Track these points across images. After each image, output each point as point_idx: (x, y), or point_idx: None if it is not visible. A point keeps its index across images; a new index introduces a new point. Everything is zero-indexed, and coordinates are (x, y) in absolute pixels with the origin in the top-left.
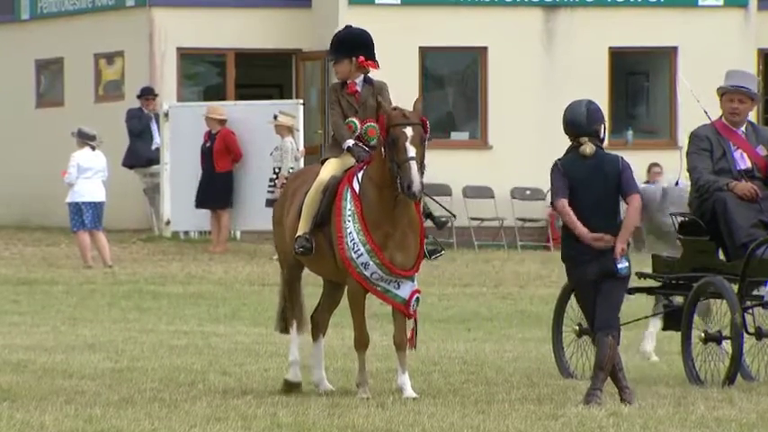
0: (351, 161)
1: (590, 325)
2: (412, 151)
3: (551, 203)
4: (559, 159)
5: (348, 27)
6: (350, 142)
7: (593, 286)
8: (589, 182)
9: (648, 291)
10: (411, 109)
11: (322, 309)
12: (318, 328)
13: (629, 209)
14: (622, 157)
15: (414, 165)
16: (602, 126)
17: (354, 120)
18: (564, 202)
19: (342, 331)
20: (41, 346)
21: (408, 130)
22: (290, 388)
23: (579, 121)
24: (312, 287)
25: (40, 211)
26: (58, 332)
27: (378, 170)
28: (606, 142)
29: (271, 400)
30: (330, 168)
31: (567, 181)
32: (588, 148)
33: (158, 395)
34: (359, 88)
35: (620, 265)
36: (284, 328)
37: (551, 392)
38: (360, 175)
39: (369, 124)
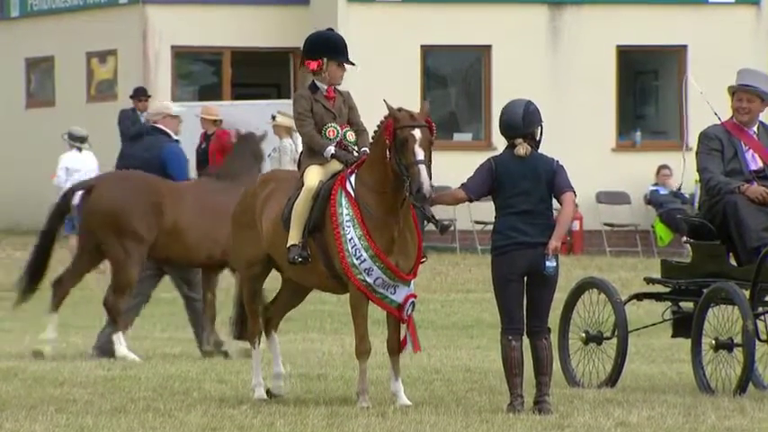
0: (335, 167)
1: (509, 326)
2: (420, 154)
3: (462, 185)
4: (494, 157)
5: (331, 30)
6: (331, 149)
7: (519, 281)
8: (521, 182)
9: (657, 297)
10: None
11: (277, 308)
12: (270, 325)
13: (563, 206)
14: (558, 160)
15: (423, 168)
16: (539, 128)
17: (334, 124)
18: (463, 197)
19: (341, 338)
20: (32, 353)
21: (417, 133)
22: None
23: (515, 123)
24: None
25: (31, 214)
26: None
27: (374, 174)
28: (614, 144)
29: (268, 409)
30: (316, 174)
31: (492, 182)
32: (522, 149)
33: (152, 404)
34: (334, 94)
35: (547, 263)
36: (240, 335)
37: (557, 401)
38: (352, 179)
39: (347, 129)
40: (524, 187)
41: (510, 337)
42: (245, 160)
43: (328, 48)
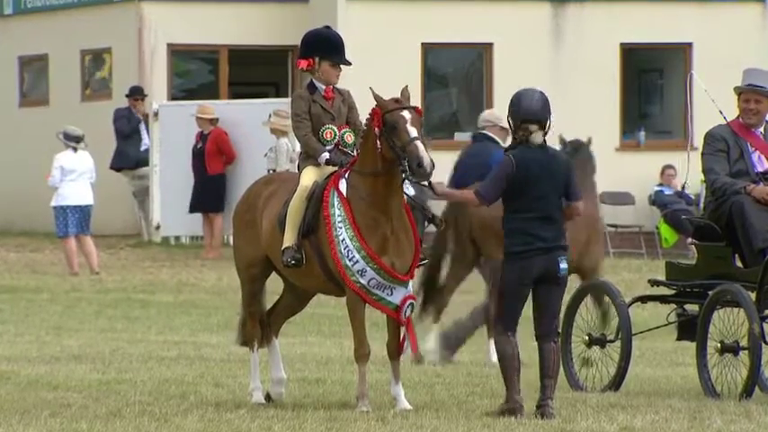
0: (331, 168)
1: (511, 324)
2: (414, 132)
3: (475, 192)
4: (511, 153)
5: (328, 28)
6: (326, 155)
7: (530, 285)
8: (541, 184)
9: (661, 299)
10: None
11: (278, 313)
12: (271, 331)
13: (573, 215)
14: (569, 158)
15: (420, 144)
16: (551, 119)
17: (332, 126)
18: (476, 201)
19: (340, 342)
20: (25, 356)
21: (406, 113)
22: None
23: (534, 108)
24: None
25: (24, 215)
26: (43, 342)
27: (367, 165)
28: (618, 143)
29: (265, 413)
30: (311, 174)
31: (510, 180)
32: (538, 137)
33: (148, 408)
34: (333, 94)
35: (561, 265)
36: (244, 342)
37: (559, 405)
38: (345, 178)
39: (345, 130)
40: (544, 190)
41: (510, 335)
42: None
43: (321, 46)
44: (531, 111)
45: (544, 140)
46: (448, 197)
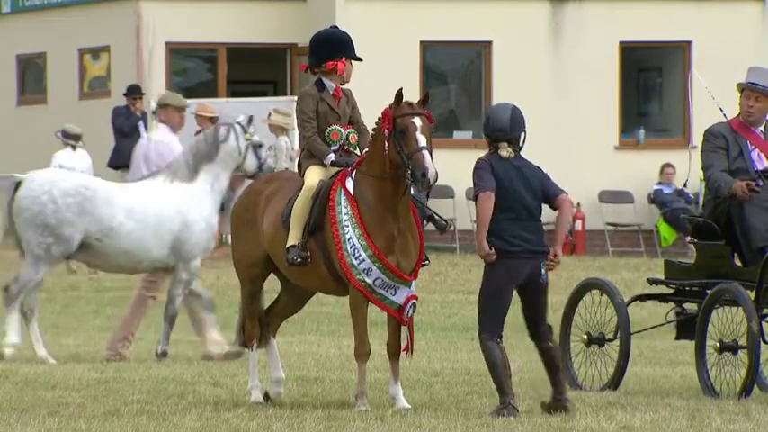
0: (336, 167)
1: (497, 328)
2: (423, 141)
3: (475, 195)
4: (483, 158)
5: (336, 27)
6: (331, 157)
7: (514, 288)
8: (518, 187)
9: (660, 298)
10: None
11: (275, 313)
12: (269, 331)
13: (562, 210)
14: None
15: (426, 153)
16: (524, 134)
17: (337, 127)
18: (491, 195)
19: (339, 340)
20: (23, 355)
21: (417, 120)
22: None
23: (502, 127)
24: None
25: None
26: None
27: (375, 167)
28: (617, 142)
29: (264, 412)
30: (317, 174)
31: (495, 180)
32: (506, 151)
33: (146, 407)
34: (341, 94)
35: (543, 271)
36: (244, 344)
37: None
38: (352, 177)
39: (349, 131)
40: (521, 193)
41: (498, 341)
42: None
43: (347, 47)
44: (500, 128)
45: (513, 151)
46: (482, 228)
